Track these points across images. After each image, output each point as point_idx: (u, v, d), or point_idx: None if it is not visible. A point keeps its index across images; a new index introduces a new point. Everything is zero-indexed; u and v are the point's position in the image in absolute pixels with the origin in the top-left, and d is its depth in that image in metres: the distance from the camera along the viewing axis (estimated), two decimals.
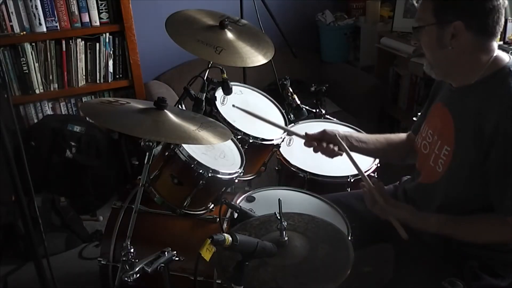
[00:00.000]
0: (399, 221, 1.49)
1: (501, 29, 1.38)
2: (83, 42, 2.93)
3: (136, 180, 2.04)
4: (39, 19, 2.80)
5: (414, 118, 2.38)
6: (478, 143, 1.36)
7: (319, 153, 1.73)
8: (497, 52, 1.40)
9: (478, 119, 1.36)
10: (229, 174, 1.73)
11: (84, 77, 3.02)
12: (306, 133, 1.75)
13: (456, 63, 1.42)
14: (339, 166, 1.97)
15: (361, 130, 2.12)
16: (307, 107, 2.32)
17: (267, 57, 2.04)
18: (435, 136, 1.53)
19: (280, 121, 2.13)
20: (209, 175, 1.66)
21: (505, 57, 1.41)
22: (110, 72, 3.05)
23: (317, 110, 2.41)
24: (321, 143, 1.71)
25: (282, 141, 2.06)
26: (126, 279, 1.38)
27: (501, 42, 2.46)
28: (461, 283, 1.35)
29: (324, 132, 1.72)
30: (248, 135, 1.92)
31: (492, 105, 1.34)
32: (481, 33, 1.36)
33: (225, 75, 1.97)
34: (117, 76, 3.09)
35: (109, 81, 3.07)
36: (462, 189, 1.44)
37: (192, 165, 1.65)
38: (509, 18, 2.49)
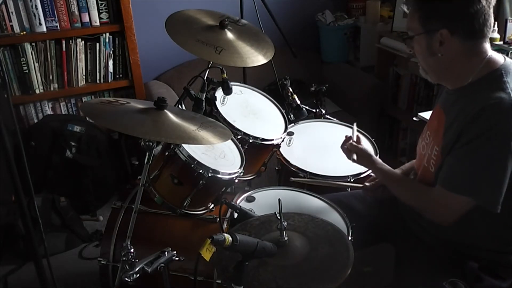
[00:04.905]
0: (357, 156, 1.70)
1: (490, 30, 1.37)
2: (83, 42, 2.93)
3: (136, 180, 2.04)
4: (39, 19, 2.80)
5: (414, 118, 2.39)
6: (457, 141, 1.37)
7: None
8: (492, 54, 1.40)
9: (462, 118, 1.36)
10: (229, 174, 1.73)
11: (84, 77, 3.02)
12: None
13: (448, 68, 1.43)
14: (339, 166, 1.97)
15: (361, 130, 2.11)
16: (307, 107, 2.32)
17: (267, 57, 2.04)
18: (431, 137, 1.54)
19: (280, 121, 2.14)
20: (209, 175, 1.66)
21: (499, 58, 1.41)
22: (110, 72, 3.05)
23: (317, 110, 2.41)
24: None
25: (282, 141, 2.06)
26: (126, 279, 1.38)
27: (501, 42, 2.45)
28: (462, 284, 1.35)
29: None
30: (248, 135, 1.91)
31: (477, 105, 1.33)
32: (468, 37, 1.36)
33: (225, 75, 1.96)
34: (117, 76, 3.09)
35: (109, 81, 3.07)
36: None
37: (192, 165, 1.65)
38: (509, 18, 2.48)
